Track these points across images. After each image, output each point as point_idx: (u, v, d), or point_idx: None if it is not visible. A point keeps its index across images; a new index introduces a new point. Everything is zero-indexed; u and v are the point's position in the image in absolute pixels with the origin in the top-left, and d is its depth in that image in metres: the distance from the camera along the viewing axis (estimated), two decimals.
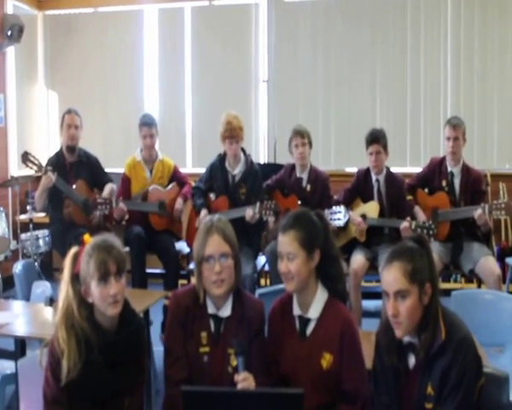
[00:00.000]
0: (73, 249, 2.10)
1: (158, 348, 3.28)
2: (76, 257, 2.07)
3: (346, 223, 4.24)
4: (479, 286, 4.36)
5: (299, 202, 4.39)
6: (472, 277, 4.35)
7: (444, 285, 5.44)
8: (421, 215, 4.27)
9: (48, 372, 2.02)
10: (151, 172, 4.74)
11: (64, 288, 2.06)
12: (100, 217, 4.51)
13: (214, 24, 6.59)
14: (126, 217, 4.59)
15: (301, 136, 4.39)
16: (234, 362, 2.14)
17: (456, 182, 4.27)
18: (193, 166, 6.60)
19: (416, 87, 6.19)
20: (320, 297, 2.18)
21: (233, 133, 4.31)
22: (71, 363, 1.95)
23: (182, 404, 1.69)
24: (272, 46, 6.48)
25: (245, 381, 1.96)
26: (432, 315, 1.95)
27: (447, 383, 1.89)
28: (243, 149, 4.49)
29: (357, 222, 4.20)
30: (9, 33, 6.13)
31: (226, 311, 2.22)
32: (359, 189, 4.39)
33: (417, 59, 6.18)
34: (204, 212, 4.36)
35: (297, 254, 2.12)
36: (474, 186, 4.25)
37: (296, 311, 2.20)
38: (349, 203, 4.36)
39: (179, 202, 4.71)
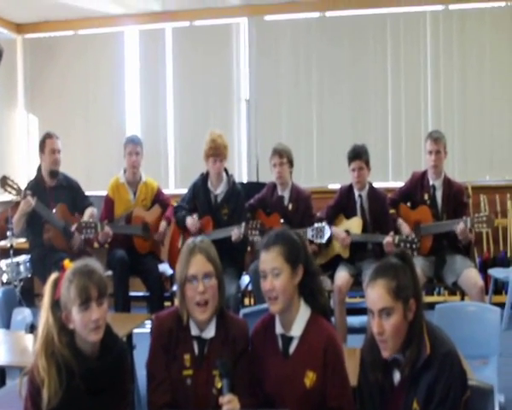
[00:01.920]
0: (53, 275, 2.07)
1: (142, 373, 3.23)
2: (56, 283, 2.04)
3: (329, 239, 4.23)
4: (462, 298, 4.38)
5: (282, 221, 4.38)
6: (455, 289, 4.37)
7: (427, 299, 5.45)
8: (404, 227, 4.28)
9: (28, 403, 1.97)
10: (135, 194, 4.70)
11: (44, 315, 2.02)
12: (81, 242, 4.45)
13: (195, 44, 6.62)
14: (109, 240, 4.54)
15: (279, 155, 4.38)
16: (218, 384, 2.11)
17: (438, 195, 4.30)
18: (175, 187, 6.57)
19: (397, 102, 6.26)
20: (303, 315, 2.16)
21: (217, 151, 4.29)
22: (51, 392, 1.91)
23: None
24: (253, 65, 6.52)
25: (230, 403, 1.94)
26: (416, 331, 1.95)
27: (433, 398, 1.88)
28: (226, 169, 4.47)
29: (341, 237, 4.20)
30: None
31: (210, 332, 2.19)
32: (342, 205, 4.39)
33: (397, 74, 6.25)
34: (190, 218, 4.30)
35: (282, 270, 2.11)
36: (456, 199, 4.28)
37: (279, 329, 2.18)
38: (332, 220, 4.35)
39: (163, 226, 4.68)
